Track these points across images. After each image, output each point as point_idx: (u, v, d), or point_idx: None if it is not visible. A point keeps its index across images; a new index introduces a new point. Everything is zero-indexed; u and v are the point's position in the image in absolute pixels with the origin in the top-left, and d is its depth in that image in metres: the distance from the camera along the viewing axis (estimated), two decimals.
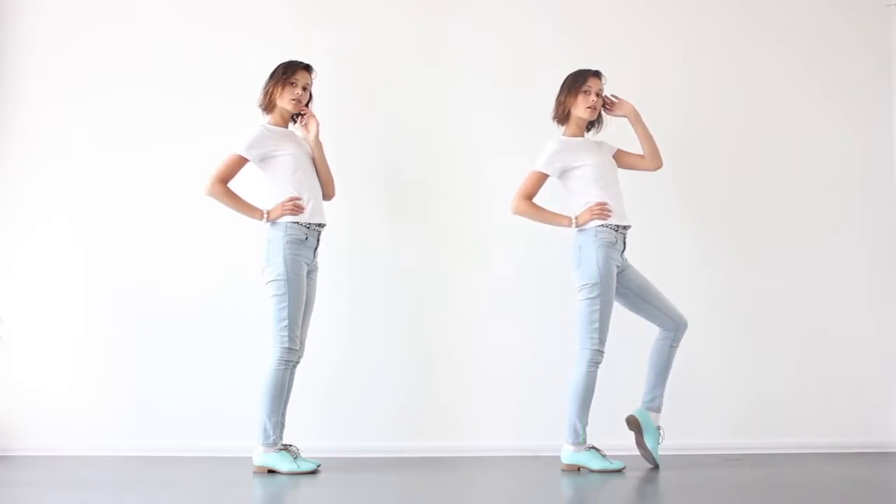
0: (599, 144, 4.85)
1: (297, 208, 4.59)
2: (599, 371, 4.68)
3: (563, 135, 4.82)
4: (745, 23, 5.41)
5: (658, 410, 4.77)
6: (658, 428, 4.76)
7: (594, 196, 4.70)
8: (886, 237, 5.36)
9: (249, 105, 4.84)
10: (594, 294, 4.65)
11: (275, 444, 4.60)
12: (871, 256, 5.35)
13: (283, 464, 4.57)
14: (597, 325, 4.64)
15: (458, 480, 4.59)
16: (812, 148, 5.39)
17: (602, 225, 4.67)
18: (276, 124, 4.73)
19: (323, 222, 4.68)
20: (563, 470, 4.68)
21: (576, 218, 4.70)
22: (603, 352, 4.66)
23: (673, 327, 4.77)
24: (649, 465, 4.74)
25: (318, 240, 4.67)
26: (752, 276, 5.32)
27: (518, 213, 4.78)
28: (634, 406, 4.80)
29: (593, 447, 4.67)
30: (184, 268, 5.22)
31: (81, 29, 5.32)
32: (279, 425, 4.62)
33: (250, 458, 4.67)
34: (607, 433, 4.78)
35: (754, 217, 5.34)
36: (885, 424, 5.27)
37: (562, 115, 4.81)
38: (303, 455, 4.66)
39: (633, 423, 4.77)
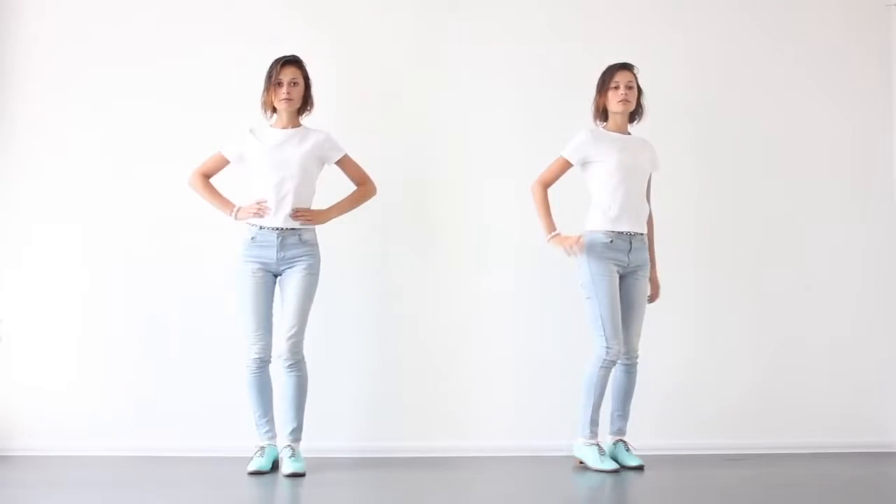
0: (642, 144, 4.83)
1: (260, 211, 4.66)
2: (584, 370, 4.70)
3: (602, 127, 4.84)
4: (744, 23, 5.41)
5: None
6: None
7: (600, 196, 4.73)
8: (886, 237, 5.35)
9: (248, 105, 4.84)
10: (589, 294, 4.69)
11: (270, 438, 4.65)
12: (870, 256, 5.35)
13: None
14: (600, 322, 4.65)
15: (459, 480, 4.59)
16: (812, 147, 5.38)
17: (594, 229, 4.71)
18: (280, 125, 4.76)
19: (279, 226, 4.66)
20: (576, 463, 4.76)
21: (555, 234, 4.70)
22: (612, 348, 4.64)
23: (625, 354, 4.75)
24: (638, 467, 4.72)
25: (280, 239, 4.65)
26: (752, 275, 5.31)
27: (532, 191, 4.79)
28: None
29: (597, 444, 4.67)
30: (183, 268, 5.21)
31: (83, 33, 5.29)
32: (262, 423, 4.65)
33: (250, 459, 4.66)
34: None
35: (754, 216, 5.34)
36: (885, 424, 5.27)
37: (601, 115, 4.84)
38: (300, 454, 4.65)
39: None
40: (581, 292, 4.72)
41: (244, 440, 4.79)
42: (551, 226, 4.74)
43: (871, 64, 5.42)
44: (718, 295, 5.30)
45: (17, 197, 5.27)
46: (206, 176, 4.80)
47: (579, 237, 4.67)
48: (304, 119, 4.82)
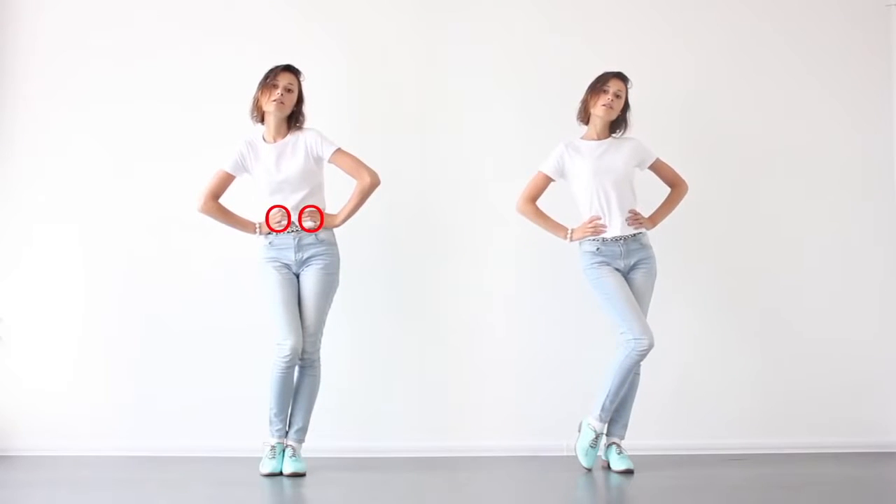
0: (620, 143, 4.80)
1: (283, 220, 4.64)
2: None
3: (580, 136, 4.83)
4: (745, 23, 5.41)
5: (596, 418, 4.68)
6: (596, 437, 4.69)
7: (583, 205, 4.75)
8: (886, 237, 5.35)
9: (249, 105, 4.84)
10: (600, 300, 4.69)
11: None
12: (871, 256, 5.35)
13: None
14: (620, 319, 4.62)
15: (459, 480, 4.59)
16: (812, 147, 5.38)
17: (582, 240, 4.73)
18: (270, 137, 4.71)
19: (294, 228, 4.65)
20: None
21: (571, 231, 4.74)
22: (637, 338, 4.56)
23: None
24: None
25: (297, 240, 4.64)
26: (752, 274, 5.31)
27: (520, 213, 4.84)
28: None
29: (597, 434, 4.66)
30: (183, 267, 5.22)
31: (82, 33, 5.30)
32: (277, 421, 4.61)
33: (252, 459, 4.67)
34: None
35: (754, 216, 5.34)
36: (885, 424, 5.27)
37: (584, 115, 4.83)
38: (301, 455, 4.65)
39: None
40: (596, 303, 4.72)
41: (245, 440, 4.79)
42: (561, 227, 4.77)
43: (872, 63, 5.41)
44: (718, 295, 5.30)
45: (17, 197, 5.27)
46: (216, 197, 4.72)
47: (593, 220, 4.69)
48: (291, 134, 4.72)
